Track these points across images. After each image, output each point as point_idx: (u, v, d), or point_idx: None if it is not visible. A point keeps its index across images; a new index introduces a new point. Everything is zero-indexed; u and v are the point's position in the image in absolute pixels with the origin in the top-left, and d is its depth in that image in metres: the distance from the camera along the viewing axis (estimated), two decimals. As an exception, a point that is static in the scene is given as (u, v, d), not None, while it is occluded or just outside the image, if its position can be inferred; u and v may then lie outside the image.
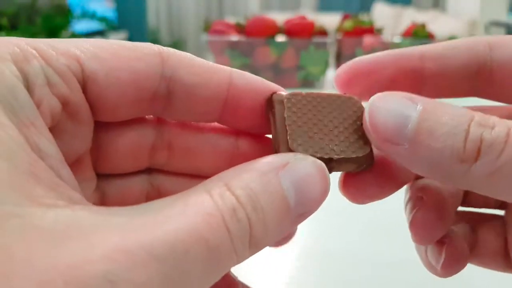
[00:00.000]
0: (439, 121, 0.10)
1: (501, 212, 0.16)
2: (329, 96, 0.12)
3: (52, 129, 0.10)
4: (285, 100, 0.12)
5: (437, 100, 0.11)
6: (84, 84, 0.11)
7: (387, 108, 0.11)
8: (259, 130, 0.13)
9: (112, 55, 0.11)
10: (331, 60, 0.63)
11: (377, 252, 0.24)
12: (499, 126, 0.10)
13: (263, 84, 0.13)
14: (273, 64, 0.59)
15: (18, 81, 0.09)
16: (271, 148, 0.12)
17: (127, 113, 0.12)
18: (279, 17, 0.65)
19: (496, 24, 1.85)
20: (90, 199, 0.12)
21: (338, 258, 0.24)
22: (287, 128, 0.12)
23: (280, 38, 0.58)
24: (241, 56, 0.58)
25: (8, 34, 0.92)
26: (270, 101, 0.12)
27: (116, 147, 0.13)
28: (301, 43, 0.58)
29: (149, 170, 0.14)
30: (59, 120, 0.10)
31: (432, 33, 0.62)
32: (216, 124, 0.13)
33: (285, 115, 0.12)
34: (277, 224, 0.10)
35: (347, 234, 0.26)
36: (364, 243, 0.25)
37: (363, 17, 0.63)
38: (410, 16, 1.94)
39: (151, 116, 0.13)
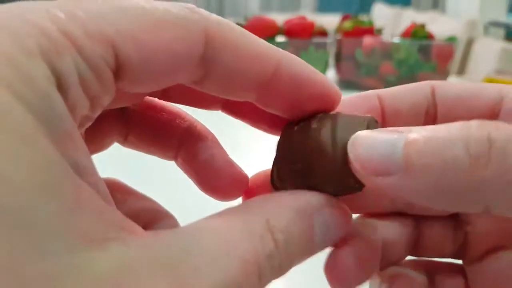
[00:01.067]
0: (428, 137, 0.09)
1: (458, 261, 0.15)
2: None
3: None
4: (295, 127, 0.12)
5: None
6: (116, 72, 0.09)
7: (369, 142, 0.10)
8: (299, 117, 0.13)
9: (151, 35, 0.09)
10: (331, 60, 0.63)
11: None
12: (504, 125, 0.09)
13: (310, 80, 0.12)
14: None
15: (52, 86, 0.08)
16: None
17: (152, 88, 0.10)
18: (279, 18, 0.65)
19: (495, 24, 1.85)
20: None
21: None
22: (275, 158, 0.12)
23: (280, 39, 0.58)
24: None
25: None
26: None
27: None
28: (301, 44, 0.58)
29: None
30: (84, 119, 0.09)
31: (431, 33, 0.62)
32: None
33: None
34: (299, 261, 0.10)
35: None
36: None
37: (363, 18, 0.63)
38: (409, 17, 1.94)
39: None
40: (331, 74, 0.68)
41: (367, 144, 0.10)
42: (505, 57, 1.33)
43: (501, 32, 1.88)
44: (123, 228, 0.08)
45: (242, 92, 0.11)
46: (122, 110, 0.14)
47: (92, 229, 0.07)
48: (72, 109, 0.08)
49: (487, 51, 1.43)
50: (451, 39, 0.61)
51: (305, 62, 0.12)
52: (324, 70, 0.61)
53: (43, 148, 0.07)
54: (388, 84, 0.67)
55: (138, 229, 0.09)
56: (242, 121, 0.14)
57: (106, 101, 0.09)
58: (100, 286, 0.07)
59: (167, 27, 0.09)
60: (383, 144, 0.10)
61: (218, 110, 0.14)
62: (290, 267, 0.10)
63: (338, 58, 0.62)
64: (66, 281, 0.07)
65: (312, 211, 0.10)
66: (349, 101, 0.14)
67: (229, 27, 0.11)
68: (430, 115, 0.14)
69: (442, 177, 0.09)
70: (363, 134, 0.11)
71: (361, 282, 0.13)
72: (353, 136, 0.11)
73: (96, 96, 0.09)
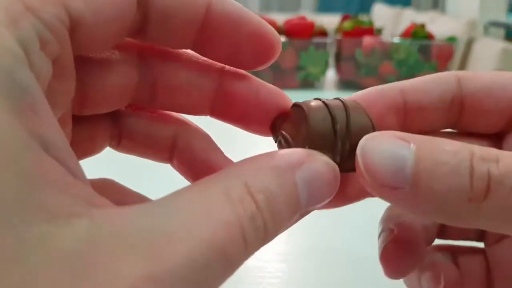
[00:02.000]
0: (438, 160, 0.10)
1: (480, 244, 0.16)
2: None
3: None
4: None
5: (427, 136, 0.11)
6: (72, 31, 0.09)
7: (380, 150, 0.10)
8: (239, 66, 0.13)
9: None
10: (331, 60, 0.63)
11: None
12: (504, 159, 0.10)
13: (243, 19, 0.12)
14: (273, 64, 0.59)
15: (14, 58, 0.08)
16: (254, 88, 0.13)
17: (107, 44, 0.11)
18: (279, 18, 0.65)
19: (495, 24, 1.85)
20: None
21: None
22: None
23: (280, 39, 0.58)
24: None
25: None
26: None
27: (103, 88, 0.12)
28: (301, 44, 0.59)
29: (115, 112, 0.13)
30: (48, 86, 0.09)
31: (431, 34, 0.62)
32: (200, 61, 0.13)
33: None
34: (286, 223, 0.10)
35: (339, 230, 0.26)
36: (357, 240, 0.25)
37: (363, 18, 0.63)
38: (409, 17, 1.94)
39: (134, 57, 0.13)
40: (331, 74, 0.68)
41: (377, 154, 0.10)
42: (505, 57, 1.33)
43: (501, 32, 1.88)
44: (91, 203, 0.08)
45: (180, 37, 0.12)
46: (114, 114, 0.14)
47: (56, 203, 0.07)
48: (38, 76, 0.08)
49: (487, 51, 1.43)
50: (451, 39, 0.61)
51: (237, 3, 0.12)
52: (324, 70, 0.61)
53: (3, 121, 0.07)
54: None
55: (109, 204, 0.08)
56: (232, 124, 0.14)
57: (68, 66, 0.10)
58: (65, 261, 0.07)
59: None
60: (393, 157, 0.10)
61: (207, 115, 0.14)
62: (278, 229, 0.09)
63: (338, 58, 0.62)
64: (28, 253, 0.07)
65: (293, 168, 0.10)
66: (368, 95, 0.14)
67: None
68: (456, 105, 0.14)
69: (444, 201, 0.10)
70: (373, 142, 0.11)
71: (413, 267, 0.14)
72: (363, 142, 0.11)
73: (57, 55, 0.09)
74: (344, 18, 0.65)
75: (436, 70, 0.61)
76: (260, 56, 0.13)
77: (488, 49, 1.46)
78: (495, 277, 0.15)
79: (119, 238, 0.08)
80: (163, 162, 0.14)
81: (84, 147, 0.13)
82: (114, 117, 0.14)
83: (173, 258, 0.08)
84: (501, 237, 0.15)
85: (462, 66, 1.58)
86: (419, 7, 3.18)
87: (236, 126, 0.14)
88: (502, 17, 1.92)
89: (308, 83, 0.62)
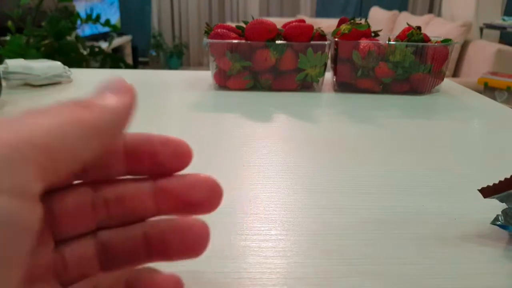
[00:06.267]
0: None
1: None
2: None
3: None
4: None
5: None
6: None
7: None
8: (165, 171, 0.16)
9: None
10: (329, 62, 0.65)
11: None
12: None
13: (151, 134, 0.16)
14: (273, 66, 0.61)
15: None
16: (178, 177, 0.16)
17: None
18: (278, 22, 0.66)
19: (490, 27, 1.87)
20: (51, 262, 0.15)
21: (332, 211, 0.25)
22: None
23: (280, 41, 0.59)
24: (241, 59, 0.60)
25: (15, 37, 0.93)
26: None
27: (65, 209, 0.15)
28: (300, 46, 0.60)
29: (95, 231, 0.16)
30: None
31: (427, 36, 0.63)
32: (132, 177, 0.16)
33: None
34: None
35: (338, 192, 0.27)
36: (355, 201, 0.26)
37: (360, 21, 0.65)
38: (405, 20, 1.95)
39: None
40: (329, 77, 0.69)
41: None
42: (500, 58, 1.34)
43: (496, 34, 1.89)
44: None
45: (112, 166, 0.16)
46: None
47: None
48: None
49: (482, 53, 1.45)
50: (446, 41, 0.62)
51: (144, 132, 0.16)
52: (322, 73, 0.62)
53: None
54: (384, 86, 0.68)
55: None
56: (181, 213, 0.16)
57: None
58: None
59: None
60: None
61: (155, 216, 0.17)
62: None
63: (336, 60, 0.64)
64: None
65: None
66: None
67: None
68: None
69: None
70: None
71: None
72: None
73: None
74: (341, 21, 0.66)
75: (432, 72, 0.62)
76: (176, 158, 0.16)
77: (483, 51, 1.48)
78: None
79: None
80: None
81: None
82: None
83: (28, 133, 0.11)
84: None
85: (457, 68, 1.59)
86: (415, 11, 3.20)
87: (185, 213, 0.16)
88: (497, 20, 1.94)
89: (306, 85, 0.64)
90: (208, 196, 0.16)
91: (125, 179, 0.16)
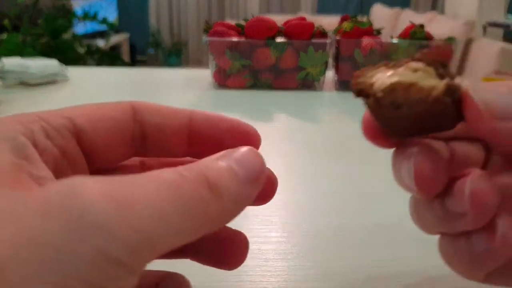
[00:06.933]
0: None
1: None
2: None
3: (56, 174, 0.13)
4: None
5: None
6: (77, 135, 0.14)
7: (490, 87, 0.12)
8: None
9: (95, 111, 0.14)
10: (330, 61, 0.64)
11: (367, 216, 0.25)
12: None
13: (221, 118, 0.15)
14: (273, 65, 0.60)
15: (24, 136, 0.12)
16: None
17: (115, 157, 0.15)
18: (279, 19, 0.65)
19: (494, 25, 1.85)
20: None
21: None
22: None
23: (280, 39, 0.59)
24: (241, 57, 0.59)
25: (11, 36, 0.93)
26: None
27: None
28: (301, 44, 0.59)
29: None
30: (61, 166, 0.13)
31: (430, 34, 0.62)
32: (188, 159, 0.16)
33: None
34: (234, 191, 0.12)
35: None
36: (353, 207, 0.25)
37: (362, 19, 0.64)
38: (408, 18, 1.94)
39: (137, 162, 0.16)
40: (330, 75, 0.68)
41: (490, 89, 0.12)
42: (503, 57, 1.33)
43: (500, 32, 1.88)
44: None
45: (174, 146, 0.15)
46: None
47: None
48: (42, 151, 0.12)
49: (486, 51, 1.44)
50: (450, 40, 0.61)
51: (211, 112, 0.15)
52: (323, 71, 0.61)
53: (2, 153, 0.11)
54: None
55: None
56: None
57: (77, 159, 0.14)
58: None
59: (104, 106, 0.14)
60: (505, 89, 0.12)
61: (187, 157, 0.16)
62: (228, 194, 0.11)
63: (337, 58, 0.63)
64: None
65: (215, 159, 0.12)
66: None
67: (148, 102, 0.15)
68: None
69: None
70: (485, 83, 0.12)
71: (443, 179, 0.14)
72: (474, 84, 0.12)
73: (62, 145, 0.13)
74: (343, 19, 0.65)
75: (435, 70, 0.61)
76: (243, 145, 0.15)
77: (487, 49, 1.47)
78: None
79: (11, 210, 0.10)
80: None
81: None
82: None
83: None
84: None
85: (461, 66, 1.58)
86: (417, 8, 3.19)
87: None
88: (501, 18, 1.93)
89: (307, 83, 0.63)
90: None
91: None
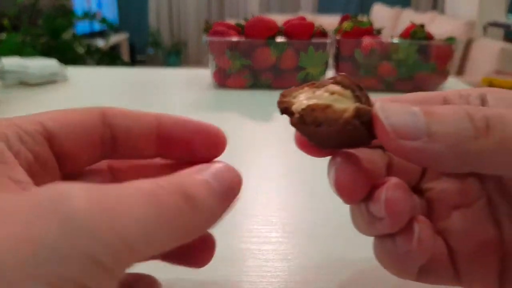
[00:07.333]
0: (442, 113, 0.13)
1: None
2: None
3: (30, 178, 0.13)
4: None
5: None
6: (49, 140, 0.14)
7: (395, 110, 0.13)
8: (196, 160, 0.15)
9: (65, 116, 0.15)
10: (330, 61, 0.63)
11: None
12: (491, 108, 0.13)
13: (188, 120, 0.16)
14: (273, 65, 0.60)
15: (2, 142, 0.13)
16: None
17: (85, 159, 0.15)
18: (279, 19, 0.65)
19: (494, 25, 1.85)
20: None
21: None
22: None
23: (280, 39, 0.58)
24: (241, 57, 0.59)
25: (10, 36, 0.93)
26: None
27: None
28: (301, 44, 0.59)
29: None
30: (34, 170, 0.14)
31: (430, 34, 0.62)
32: (158, 160, 0.17)
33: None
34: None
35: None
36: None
37: (362, 18, 0.63)
38: (408, 17, 1.94)
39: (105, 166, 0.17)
40: (330, 75, 0.68)
41: (395, 112, 0.13)
42: (504, 57, 1.33)
43: (501, 32, 1.88)
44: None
45: (144, 146, 0.16)
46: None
47: None
48: (16, 154, 0.13)
49: (486, 51, 1.44)
50: (450, 40, 0.61)
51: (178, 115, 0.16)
52: (323, 71, 0.61)
53: None
54: (387, 85, 0.67)
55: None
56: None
57: (49, 162, 0.14)
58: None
59: (73, 111, 0.15)
60: (408, 113, 0.13)
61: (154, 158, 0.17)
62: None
63: (337, 58, 0.62)
64: None
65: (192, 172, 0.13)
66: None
67: (118, 108, 0.16)
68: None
69: (456, 142, 0.12)
70: (388, 104, 0.13)
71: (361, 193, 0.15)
72: (378, 105, 0.13)
73: (35, 150, 0.14)
74: (343, 18, 0.65)
75: (435, 70, 0.61)
76: (210, 146, 0.16)
77: (487, 49, 1.47)
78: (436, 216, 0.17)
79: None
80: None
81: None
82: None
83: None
84: (438, 176, 0.17)
85: (461, 66, 1.58)
86: (418, 8, 3.18)
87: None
88: (502, 18, 1.93)
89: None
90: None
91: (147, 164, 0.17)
